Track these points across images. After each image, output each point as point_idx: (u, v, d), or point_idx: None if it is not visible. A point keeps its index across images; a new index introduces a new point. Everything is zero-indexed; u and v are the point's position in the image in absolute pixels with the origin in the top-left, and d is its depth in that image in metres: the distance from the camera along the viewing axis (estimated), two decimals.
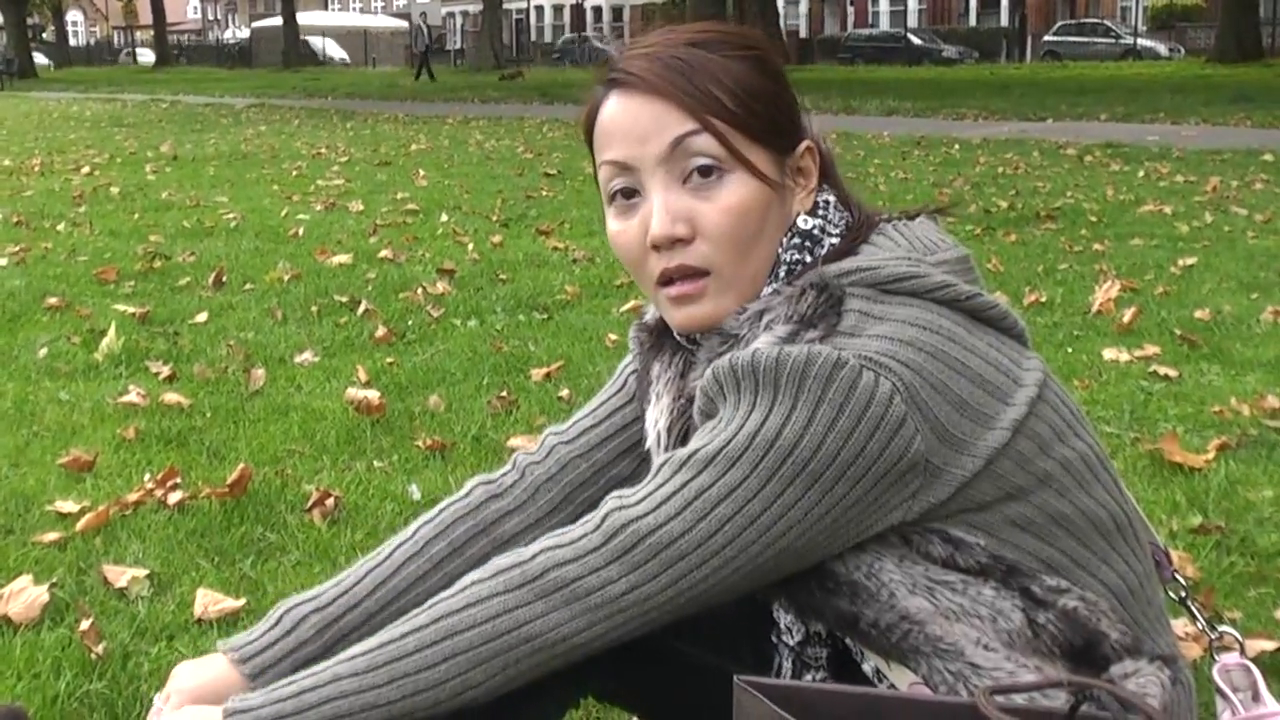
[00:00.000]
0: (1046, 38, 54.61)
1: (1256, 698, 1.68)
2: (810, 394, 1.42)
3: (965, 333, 1.50)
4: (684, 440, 1.62)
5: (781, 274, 1.59)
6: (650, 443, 1.71)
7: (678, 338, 1.67)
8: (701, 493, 1.44)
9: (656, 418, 1.69)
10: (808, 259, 1.59)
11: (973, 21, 62.50)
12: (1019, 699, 1.36)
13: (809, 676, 1.72)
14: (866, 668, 1.59)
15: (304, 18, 68.49)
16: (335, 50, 69.91)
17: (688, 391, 1.62)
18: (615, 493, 1.51)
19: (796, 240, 1.60)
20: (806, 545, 1.46)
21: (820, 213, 1.63)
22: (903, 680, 1.52)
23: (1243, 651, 1.74)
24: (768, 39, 1.72)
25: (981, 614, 1.48)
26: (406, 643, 1.47)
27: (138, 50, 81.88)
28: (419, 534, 1.82)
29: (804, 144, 1.63)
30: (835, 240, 1.61)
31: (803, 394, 1.42)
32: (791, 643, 1.73)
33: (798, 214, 1.62)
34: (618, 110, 1.59)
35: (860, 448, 1.42)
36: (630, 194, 1.60)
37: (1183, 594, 1.79)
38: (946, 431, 1.45)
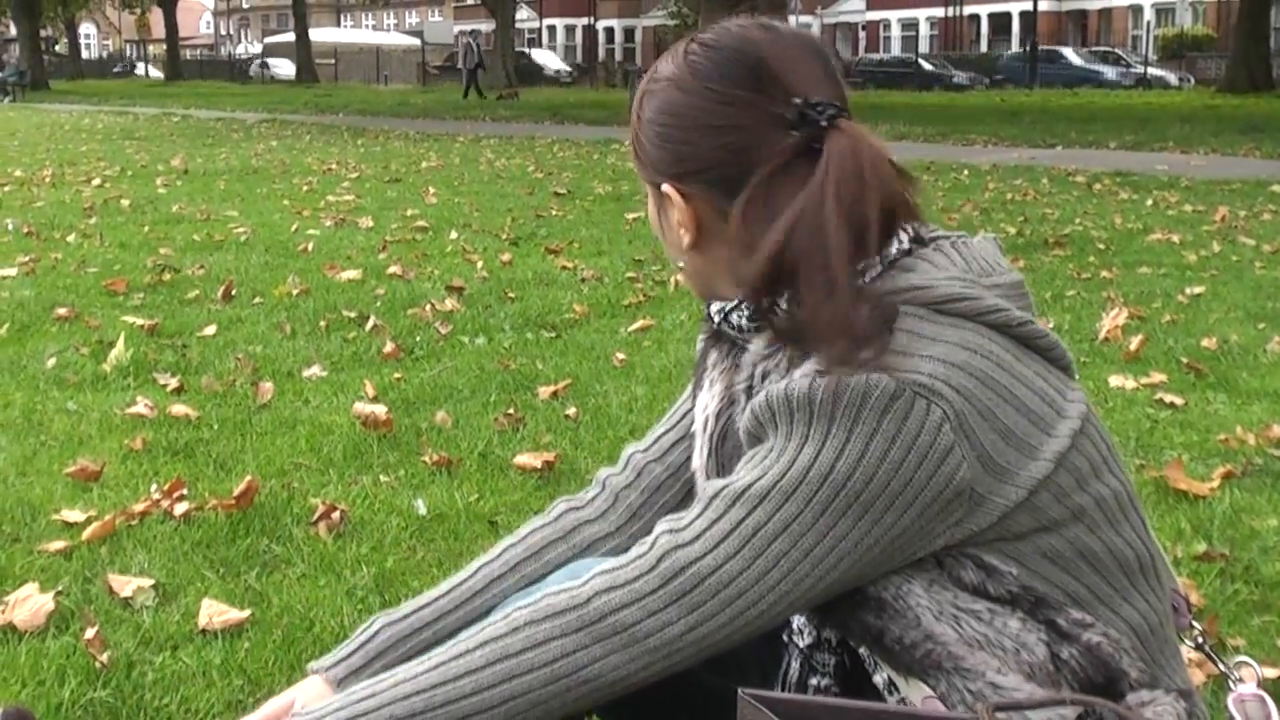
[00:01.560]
0: None
1: None
2: (865, 425, 1.42)
3: (1014, 360, 1.50)
4: (725, 432, 1.63)
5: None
6: (698, 425, 1.71)
7: (729, 331, 1.66)
8: (758, 530, 1.44)
9: (707, 403, 1.69)
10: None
11: (984, 47, 62.57)
12: (1022, 716, 1.37)
13: (814, 681, 1.72)
14: (878, 679, 1.59)
15: (316, 34, 68.68)
16: (286, 69, 70.08)
17: (734, 389, 1.61)
18: (666, 523, 1.51)
19: None
20: (856, 575, 1.47)
21: None
22: (916, 695, 1.53)
23: (1259, 682, 1.73)
24: None
25: (1005, 645, 1.49)
26: (464, 684, 1.48)
27: (141, 65, 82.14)
28: (499, 544, 1.86)
29: None
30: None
31: (857, 426, 1.42)
32: (801, 644, 1.73)
33: None
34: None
35: (909, 477, 1.42)
36: None
37: (1199, 640, 1.79)
38: (992, 460, 1.45)
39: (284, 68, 67.17)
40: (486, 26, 66.38)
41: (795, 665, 1.75)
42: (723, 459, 1.63)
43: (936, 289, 1.51)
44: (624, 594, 1.47)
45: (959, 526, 1.46)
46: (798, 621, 1.74)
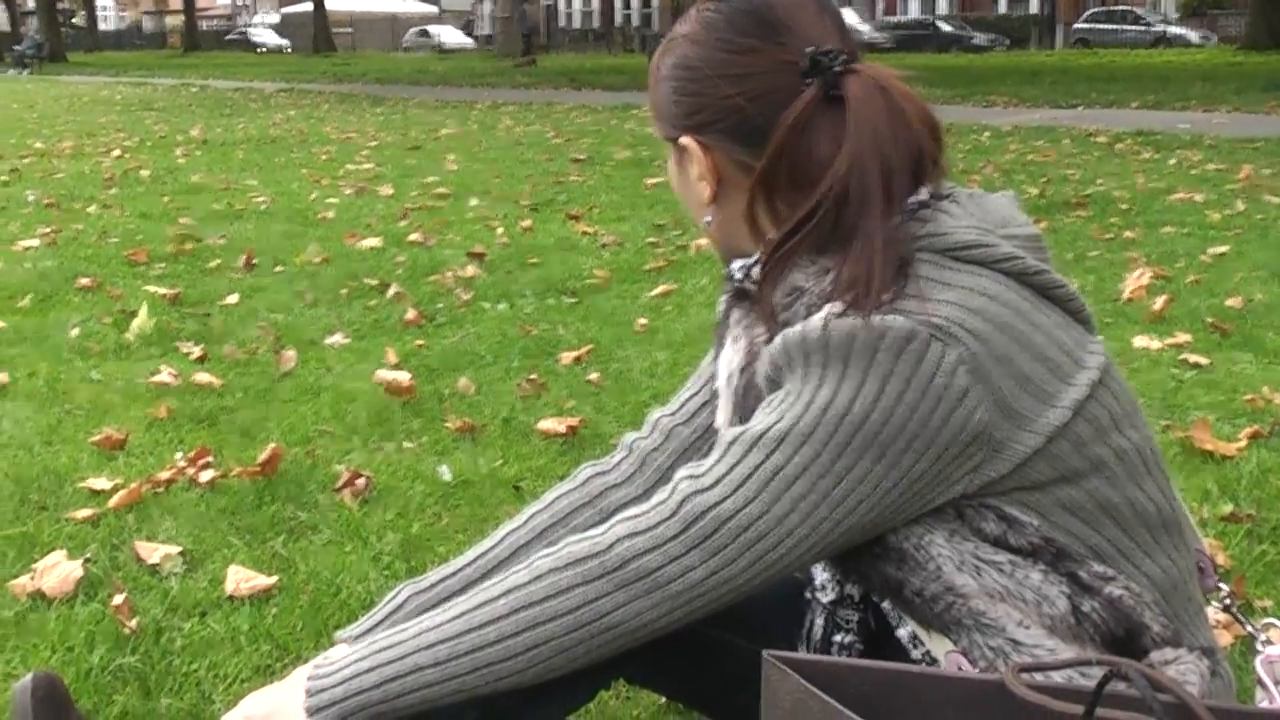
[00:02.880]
0: (1076, 25, 54.39)
1: None
2: (880, 367, 1.42)
3: (1031, 308, 1.50)
4: (748, 386, 1.63)
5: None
6: (720, 382, 1.70)
7: (751, 288, 1.64)
8: (777, 472, 1.45)
9: (731, 358, 1.68)
10: None
11: (1003, 8, 62.22)
12: (1046, 677, 1.37)
13: (839, 638, 1.72)
14: (902, 632, 1.60)
15: (332, 3, 68.60)
16: (272, 38, 70.23)
17: (756, 342, 1.60)
18: (685, 470, 1.51)
19: None
20: (875, 519, 1.47)
21: None
22: (940, 649, 1.53)
23: None
24: None
25: (1026, 598, 1.49)
26: (487, 632, 1.49)
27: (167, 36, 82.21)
28: (525, 510, 1.86)
29: None
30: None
31: (873, 367, 1.42)
32: (825, 600, 1.74)
33: None
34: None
35: (926, 419, 1.42)
36: None
37: (1227, 601, 1.78)
38: (1009, 405, 1.44)
39: (268, 37, 67.34)
40: None
41: (819, 622, 1.75)
42: (744, 413, 1.63)
43: (953, 235, 1.51)
44: (645, 540, 1.47)
45: (977, 473, 1.46)
46: (821, 578, 1.75)
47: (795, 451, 1.44)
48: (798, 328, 1.47)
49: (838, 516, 1.45)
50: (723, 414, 1.70)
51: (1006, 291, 1.49)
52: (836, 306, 1.46)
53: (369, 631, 1.72)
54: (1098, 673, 1.17)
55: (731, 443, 1.49)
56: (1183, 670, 1.51)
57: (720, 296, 1.78)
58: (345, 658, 1.55)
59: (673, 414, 1.88)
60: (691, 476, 1.50)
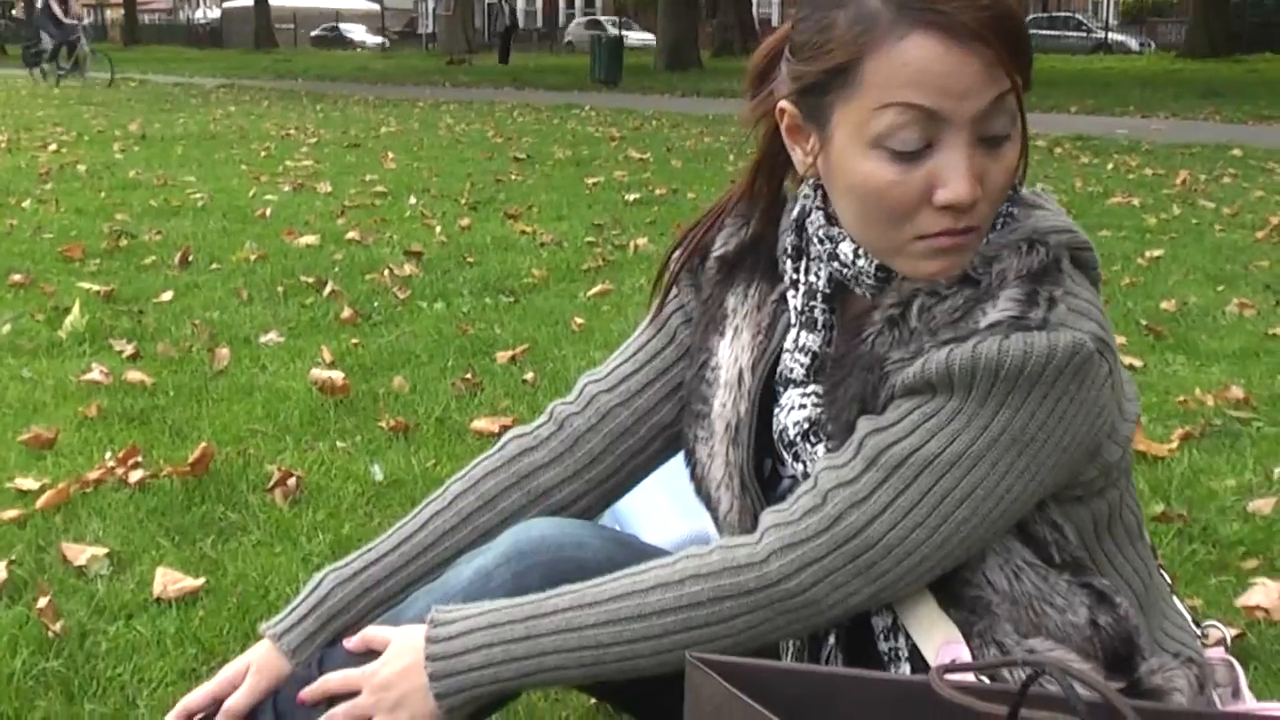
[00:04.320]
0: None
1: (1236, 694, 1.67)
2: (1050, 387, 1.41)
3: None
4: (770, 377, 1.63)
5: (998, 225, 1.52)
6: (725, 377, 1.67)
7: (842, 273, 1.58)
8: (945, 497, 1.44)
9: (736, 354, 1.66)
10: (1004, 210, 1.54)
11: None
12: (978, 678, 1.36)
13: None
14: (878, 621, 1.58)
15: None
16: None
17: (867, 334, 1.53)
18: (832, 479, 1.49)
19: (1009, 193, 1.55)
20: (1010, 523, 1.48)
21: None
22: (929, 641, 1.51)
23: (1227, 647, 1.72)
24: None
25: (1056, 603, 1.49)
26: (634, 628, 1.51)
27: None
28: (449, 489, 1.82)
29: None
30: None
31: (1043, 388, 1.41)
32: None
33: None
34: (941, 55, 1.39)
35: (1079, 436, 1.44)
36: (919, 145, 1.44)
37: (1169, 591, 1.79)
38: (1117, 415, 1.47)
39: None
40: None
41: None
42: (763, 409, 1.64)
43: (1078, 234, 1.51)
44: (800, 560, 1.48)
45: (1076, 483, 1.49)
46: None
47: (965, 475, 1.43)
48: (967, 348, 1.42)
49: (986, 535, 1.46)
50: (731, 413, 1.66)
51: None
52: (997, 314, 1.43)
53: (297, 626, 1.70)
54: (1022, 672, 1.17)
55: (897, 466, 1.45)
56: (1170, 677, 1.51)
57: (700, 280, 1.74)
58: (469, 638, 1.53)
59: (608, 390, 1.79)
60: (842, 483, 1.47)
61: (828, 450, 1.53)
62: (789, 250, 1.64)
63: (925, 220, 1.45)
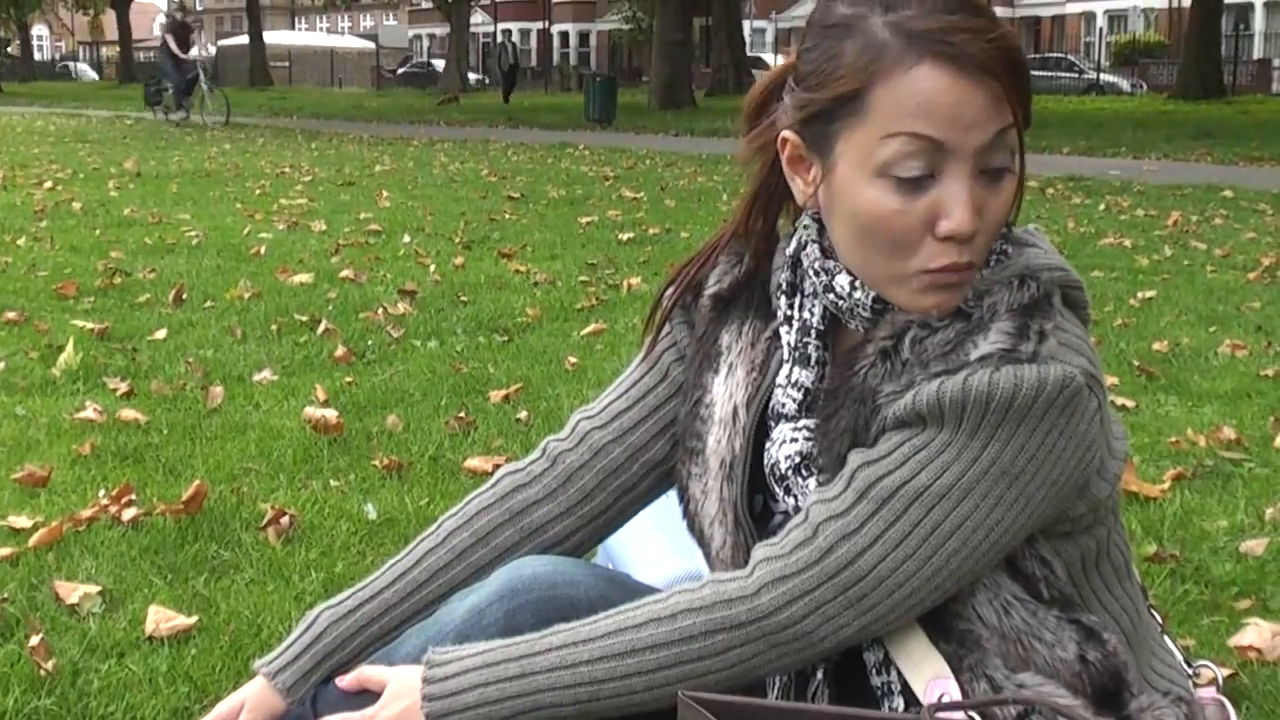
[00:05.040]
0: None
1: None
2: (1039, 420, 1.42)
3: None
4: (763, 415, 1.63)
5: (991, 262, 1.53)
6: (719, 414, 1.67)
7: (836, 303, 1.59)
8: (935, 528, 1.44)
9: (730, 391, 1.66)
10: (998, 248, 1.55)
11: None
12: (963, 715, 1.37)
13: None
14: (869, 656, 1.58)
15: (270, 37, 68.42)
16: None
17: (859, 371, 1.54)
18: (823, 511, 1.50)
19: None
20: (997, 560, 1.48)
21: None
22: (918, 676, 1.51)
23: (1219, 687, 1.73)
24: None
25: (1045, 639, 1.49)
26: (627, 663, 1.51)
27: (78, 66, 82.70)
28: (442, 526, 1.82)
29: None
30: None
31: (1032, 421, 1.42)
32: None
33: None
34: (948, 86, 1.42)
35: (1069, 469, 1.45)
36: (923, 173, 1.46)
37: (1159, 630, 1.80)
38: (1106, 452, 1.48)
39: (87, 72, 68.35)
40: (441, 30, 66.32)
41: None
42: (755, 445, 1.64)
43: (1070, 273, 1.52)
44: (791, 593, 1.48)
45: (1064, 518, 1.49)
46: None
47: (955, 507, 1.44)
48: (957, 381, 1.43)
49: (976, 567, 1.47)
50: (726, 450, 1.66)
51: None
52: (987, 348, 1.44)
53: (292, 665, 1.70)
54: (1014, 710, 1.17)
55: (888, 498, 1.46)
56: (1159, 716, 1.52)
57: (694, 318, 1.75)
58: (464, 678, 1.53)
59: (601, 427, 1.80)
60: (833, 516, 1.48)
61: (819, 484, 1.54)
62: (783, 286, 1.65)
63: (928, 252, 1.47)
